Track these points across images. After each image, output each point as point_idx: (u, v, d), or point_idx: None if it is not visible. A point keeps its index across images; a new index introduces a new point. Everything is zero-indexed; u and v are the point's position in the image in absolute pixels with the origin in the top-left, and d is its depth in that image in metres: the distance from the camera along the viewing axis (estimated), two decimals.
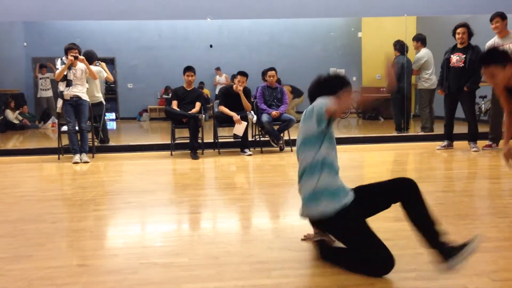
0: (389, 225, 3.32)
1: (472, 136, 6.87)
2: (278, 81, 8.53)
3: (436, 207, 3.76)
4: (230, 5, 8.80)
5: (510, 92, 3.38)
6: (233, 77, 8.23)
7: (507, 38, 6.34)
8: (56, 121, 8.05)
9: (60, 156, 7.03)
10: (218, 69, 14.36)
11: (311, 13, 9.57)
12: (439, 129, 7.71)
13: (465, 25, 6.73)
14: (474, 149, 6.74)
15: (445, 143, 7.08)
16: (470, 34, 6.72)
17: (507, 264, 2.53)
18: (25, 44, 14.13)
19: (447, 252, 2.31)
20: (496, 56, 3.22)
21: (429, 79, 8.34)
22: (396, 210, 3.74)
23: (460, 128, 7.27)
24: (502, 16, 6.33)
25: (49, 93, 12.73)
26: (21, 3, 8.40)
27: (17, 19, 10.83)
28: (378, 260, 2.39)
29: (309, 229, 3.07)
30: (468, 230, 3.11)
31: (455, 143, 7.10)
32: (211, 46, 9.80)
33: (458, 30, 6.73)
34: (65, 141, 6.94)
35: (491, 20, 6.40)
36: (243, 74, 7.22)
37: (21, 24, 13.89)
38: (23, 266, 2.66)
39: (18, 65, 13.96)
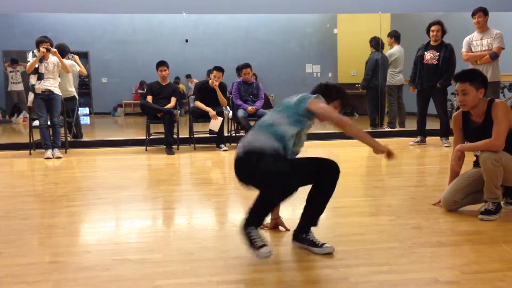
0: (362, 219, 3.36)
1: (444, 132, 7.00)
2: (255, 77, 8.54)
3: (408, 201, 3.82)
4: (205, 0, 8.74)
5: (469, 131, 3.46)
6: (209, 72, 8.19)
7: (486, 34, 6.48)
8: (28, 115, 7.88)
9: (32, 151, 6.89)
10: (188, 76, 14.23)
11: (287, 9, 9.58)
12: (412, 125, 7.84)
13: (439, 23, 6.84)
14: (446, 144, 6.86)
15: (418, 139, 7.19)
16: (443, 31, 6.83)
17: (477, 257, 2.59)
18: None
19: (307, 240, 2.74)
20: (474, 77, 3.29)
21: (396, 75, 8.48)
22: (369, 205, 3.81)
23: (433, 124, 7.39)
24: (484, 12, 6.47)
25: (20, 87, 12.43)
26: None
27: None
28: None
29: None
30: (439, 224, 3.17)
31: (428, 138, 7.22)
32: (186, 41, 9.71)
33: (433, 28, 6.83)
34: (37, 136, 6.80)
35: (474, 14, 6.51)
36: (219, 69, 7.18)
37: None
38: None
39: None
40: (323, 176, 2.74)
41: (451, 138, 6.86)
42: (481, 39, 6.50)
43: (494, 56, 6.37)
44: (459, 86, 3.30)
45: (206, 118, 7.14)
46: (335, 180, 2.74)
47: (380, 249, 2.73)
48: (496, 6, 7.60)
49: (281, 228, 3.15)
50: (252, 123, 7.32)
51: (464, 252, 2.68)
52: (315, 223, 2.81)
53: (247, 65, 7.47)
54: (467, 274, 2.36)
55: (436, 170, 5.54)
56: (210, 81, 7.21)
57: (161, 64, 7.22)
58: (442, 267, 2.46)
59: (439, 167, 5.67)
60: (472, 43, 6.59)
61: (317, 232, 3.11)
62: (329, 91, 2.98)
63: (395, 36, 8.60)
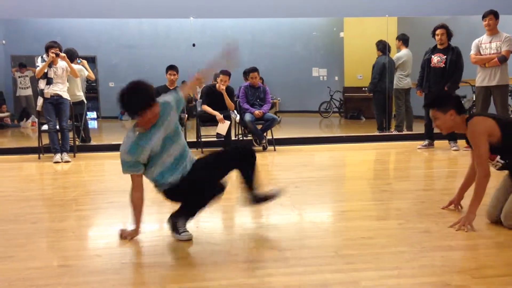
0: (371, 223, 3.35)
1: (452, 136, 6.96)
2: (262, 81, 8.56)
3: (417, 205, 3.81)
4: (212, 4, 8.77)
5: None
6: (216, 76, 8.21)
7: (495, 37, 6.47)
8: (36, 120, 7.92)
9: (41, 155, 6.92)
10: None
11: (294, 13, 9.59)
12: (419, 128, 7.81)
13: (443, 27, 6.83)
14: (454, 148, 6.83)
15: (426, 142, 7.17)
16: (449, 35, 6.82)
17: (488, 261, 2.58)
18: (3, 42, 13.88)
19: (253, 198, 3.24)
20: (439, 100, 3.24)
21: (404, 79, 8.47)
22: (377, 209, 3.80)
23: None
24: (495, 15, 6.46)
25: (29, 92, 12.50)
26: None
27: None
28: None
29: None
30: (449, 228, 3.15)
31: (436, 142, 7.19)
32: (193, 45, 9.75)
33: (437, 32, 6.82)
34: (46, 140, 6.84)
35: (484, 17, 6.50)
36: (226, 73, 7.19)
37: None
38: (3, 267, 2.62)
39: None
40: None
41: (459, 142, 6.88)
42: (490, 42, 6.48)
43: (503, 59, 6.34)
44: (430, 113, 3.28)
45: (213, 122, 7.15)
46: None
47: (389, 253, 2.72)
48: (504, 9, 7.54)
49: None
50: (259, 127, 7.33)
51: (475, 256, 2.66)
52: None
53: (254, 69, 7.48)
54: (478, 279, 2.35)
55: (445, 173, 5.52)
56: (217, 85, 7.22)
57: (171, 68, 7.26)
58: (452, 271, 2.45)
59: (448, 171, 5.65)
60: (481, 46, 6.57)
61: (325, 236, 3.12)
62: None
63: (403, 40, 8.58)
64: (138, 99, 2.84)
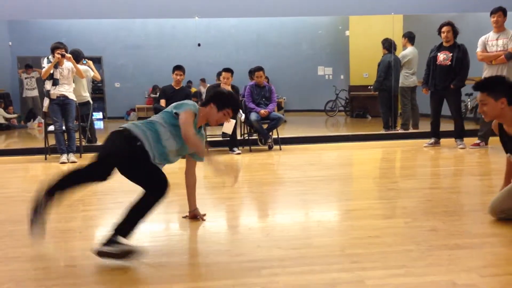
0: (377, 222, 3.34)
1: (459, 134, 6.93)
2: (267, 80, 8.55)
3: (423, 203, 3.80)
4: (217, 4, 8.78)
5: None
6: (219, 74, 8.21)
7: (502, 34, 6.43)
8: (43, 120, 7.96)
9: (47, 156, 6.95)
10: (203, 80, 14.25)
11: (299, 12, 9.58)
12: (425, 126, 7.79)
13: (449, 24, 6.80)
14: (460, 146, 6.80)
15: (432, 140, 7.13)
16: (455, 32, 6.78)
17: (495, 260, 2.56)
18: (10, 43, 13.95)
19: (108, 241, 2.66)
20: (493, 85, 3.06)
21: (410, 77, 8.45)
22: (384, 207, 3.79)
23: (447, 126, 7.33)
24: (504, 12, 6.42)
25: (35, 93, 12.57)
26: (5, 2, 8.30)
27: (2, 17, 10.71)
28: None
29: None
30: (456, 227, 3.13)
31: (442, 140, 7.15)
32: (199, 45, 9.77)
33: (443, 29, 6.79)
34: (52, 141, 6.87)
35: (493, 13, 6.45)
36: (228, 70, 7.18)
37: (5, 23, 13.71)
38: (11, 267, 2.64)
39: (3, 65, 13.77)
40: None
41: (465, 140, 6.85)
42: (497, 39, 6.44)
43: (510, 56, 6.30)
44: (478, 96, 3.09)
45: None
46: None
47: (396, 252, 2.71)
48: (511, 7, 7.51)
49: (198, 217, 3.47)
50: (265, 126, 7.33)
51: (482, 255, 2.65)
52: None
53: (259, 68, 7.47)
54: (485, 277, 2.33)
55: (451, 172, 5.49)
56: (221, 84, 7.21)
57: (178, 68, 7.27)
58: (459, 270, 2.43)
59: (454, 169, 5.63)
60: (487, 43, 6.53)
61: (331, 235, 3.11)
62: (222, 99, 3.21)
63: (409, 37, 8.56)
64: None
